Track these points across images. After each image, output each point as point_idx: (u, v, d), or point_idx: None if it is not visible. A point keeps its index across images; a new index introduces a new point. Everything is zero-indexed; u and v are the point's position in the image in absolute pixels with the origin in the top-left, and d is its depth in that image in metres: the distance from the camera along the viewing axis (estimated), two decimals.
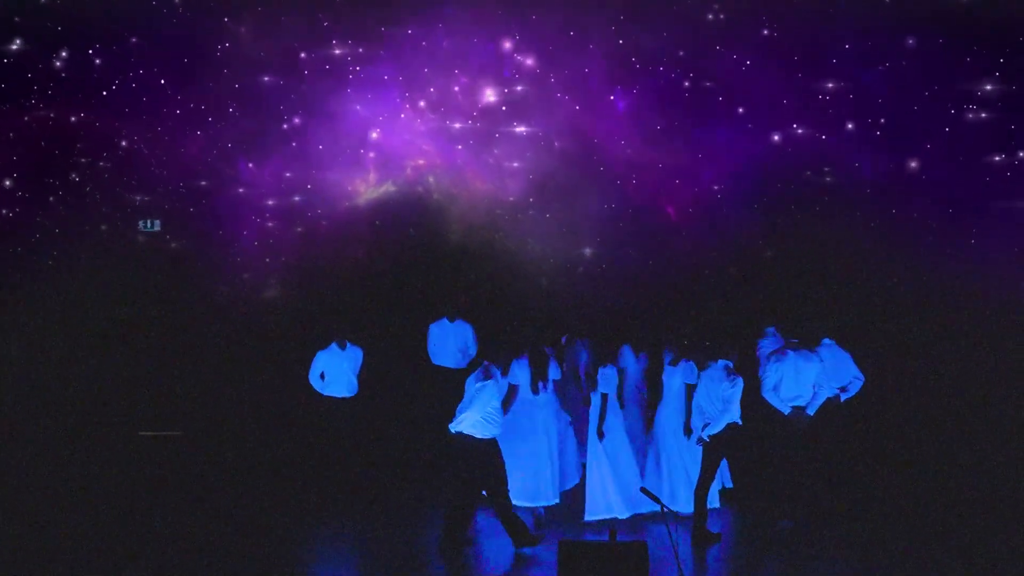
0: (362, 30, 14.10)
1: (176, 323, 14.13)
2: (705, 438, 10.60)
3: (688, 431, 11.08)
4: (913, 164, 14.42)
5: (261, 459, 12.73)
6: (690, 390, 11.10)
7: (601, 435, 11.01)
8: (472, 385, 10.19)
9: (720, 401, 10.49)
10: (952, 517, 11.07)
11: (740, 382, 10.53)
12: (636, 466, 11.25)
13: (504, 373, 10.54)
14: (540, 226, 14.31)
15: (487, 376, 10.22)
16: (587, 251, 14.53)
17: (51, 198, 14.51)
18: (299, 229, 14.61)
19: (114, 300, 14.22)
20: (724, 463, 11.92)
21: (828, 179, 14.53)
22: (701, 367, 11.09)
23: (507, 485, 10.26)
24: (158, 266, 14.39)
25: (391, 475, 12.57)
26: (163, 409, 13.63)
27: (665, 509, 9.25)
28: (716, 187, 14.36)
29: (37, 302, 14.02)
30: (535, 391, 11.09)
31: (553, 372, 11.25)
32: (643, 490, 9.13)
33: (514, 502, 10.56)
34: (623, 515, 10.96)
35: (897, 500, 11.69)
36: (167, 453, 12.71)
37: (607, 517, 10.91)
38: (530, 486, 11.05)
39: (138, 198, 14.67)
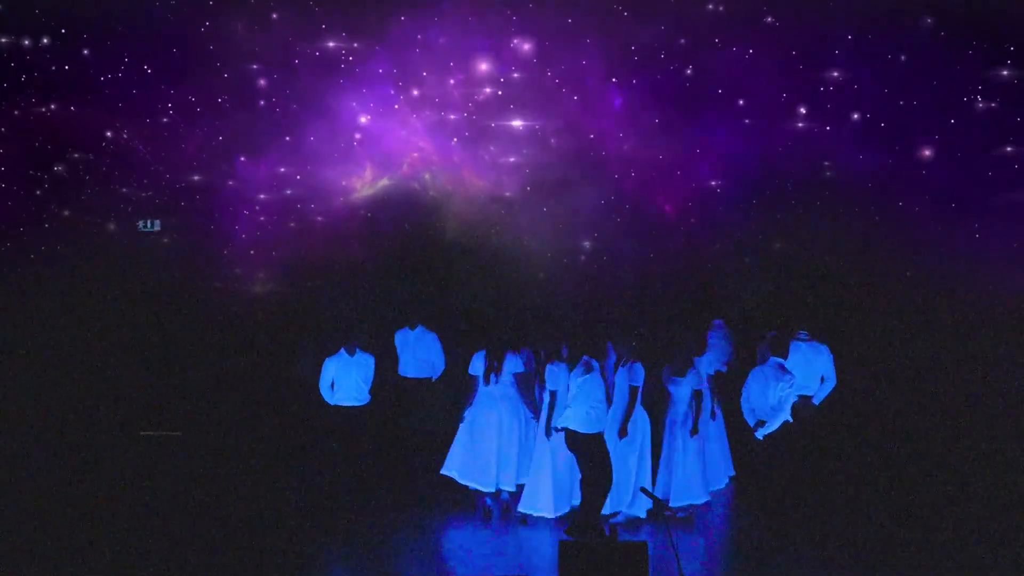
0: (358, 25, 14.24)
1: (169, 319, 14.32)
2: (759, 437, 11.02)
3: (623, 433, 11.35)
4: (916, 157, 14.63)
5: (257, 456, 12.95)
6: (634, 392, 11.39)
7: (549, 433, 11.38)
8: (575, 380, 10.65)
9: (776, 400, 10.92)
10: (954, 515, 11.35)
11: (796, 382, 11.03)
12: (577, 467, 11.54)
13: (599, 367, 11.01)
14: (537, 222, 14.55)
15: (588, 370, 10.68)
16: (587, 244, 14.76)
17: (38, 191, 14.69)
18: (292, 224, 14.82)
19: (106, 296, 14.39)
20: (727, 455, 12.34)
21: (828, 173, 14.77)
22: (676, 373, 11.61)
23: (610, 482, 10.78)
24: (151, 262, 14.57)
25: (389, 474, 12.82)
26: (156, 407, 13.80)
27: (666, 511, 9.62)
28: (714, 182, 14.62)
29: (26, 299, 14.23)
30: (487, 382, 11.71)
31: (513, 366, 11.67)
32: (643, 490, 9.45)
33: (459, 480, 11.61)
34: (550, 515, 11.33)
35: (902, 497, 11.98)
36: (165, 453, 12.90)
37: (534, 513, 11.38)
38: (475, 469, 11.70)
39: (124, 190, 14.84)
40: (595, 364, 10.83)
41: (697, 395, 11.49)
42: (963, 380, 13.78)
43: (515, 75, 14.44)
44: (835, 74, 14.72)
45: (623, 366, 11.42)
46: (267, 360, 14.10)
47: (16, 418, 13.26)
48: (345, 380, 12.12)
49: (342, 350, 12.17)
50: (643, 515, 11.33)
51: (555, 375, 11.34)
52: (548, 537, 10.71)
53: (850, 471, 12.66)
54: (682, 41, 14.44)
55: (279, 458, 12.90)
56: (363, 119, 14.32)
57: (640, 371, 11.35)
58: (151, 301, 14.41)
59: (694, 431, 11.43)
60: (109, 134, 14.65)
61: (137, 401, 13.80)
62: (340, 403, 12.13)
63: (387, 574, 10.02)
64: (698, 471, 11.50)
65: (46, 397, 13.70)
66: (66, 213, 14.75)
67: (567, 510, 11.42)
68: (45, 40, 14.36)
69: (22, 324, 14.16)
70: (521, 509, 11.44)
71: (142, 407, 13.72)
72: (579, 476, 11.25)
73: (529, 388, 11.83)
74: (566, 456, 11.31)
